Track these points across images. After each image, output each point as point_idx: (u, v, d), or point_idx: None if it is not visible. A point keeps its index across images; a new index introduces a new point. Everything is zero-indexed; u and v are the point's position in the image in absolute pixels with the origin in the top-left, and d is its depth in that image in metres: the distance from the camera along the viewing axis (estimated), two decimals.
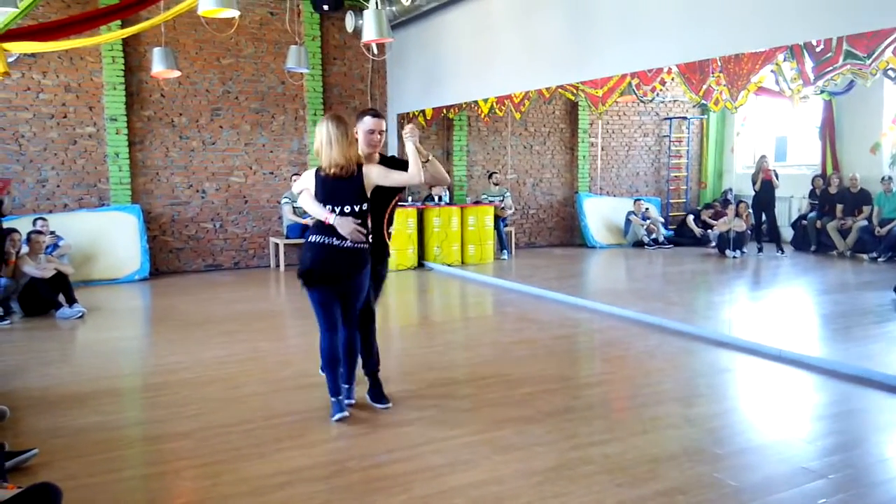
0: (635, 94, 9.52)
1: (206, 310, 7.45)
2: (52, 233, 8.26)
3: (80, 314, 7.05)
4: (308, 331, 6.76)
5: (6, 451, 3.37)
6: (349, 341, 4.26)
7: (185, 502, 3.22)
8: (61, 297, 7.18)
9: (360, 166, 4.05)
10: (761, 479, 3.33)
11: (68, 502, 2.89)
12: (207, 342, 6.05)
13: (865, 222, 10.70)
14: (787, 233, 11.90)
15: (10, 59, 6.91)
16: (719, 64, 7.71)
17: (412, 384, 4.84)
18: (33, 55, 8.70)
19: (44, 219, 8.19)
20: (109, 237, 9.15)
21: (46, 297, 7.10)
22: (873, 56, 6.68)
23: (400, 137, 11.17)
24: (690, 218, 12.56)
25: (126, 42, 9.28)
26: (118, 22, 8.59)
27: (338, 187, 4.03)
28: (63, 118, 9.20)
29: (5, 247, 6.91)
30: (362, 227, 4.02)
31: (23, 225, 7.79)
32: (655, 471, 3.40)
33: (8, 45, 6.51)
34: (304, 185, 4.15)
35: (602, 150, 13.06)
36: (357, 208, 4.02)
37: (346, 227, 3.98)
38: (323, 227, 4.04)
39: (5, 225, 6.97)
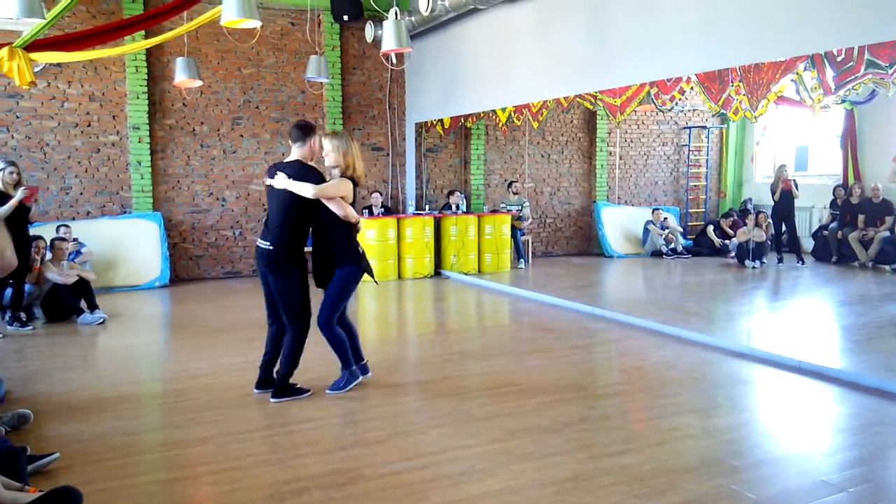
0: (654, 103, 9.47)
1: (224, 317, 7.51)
2: (75, 240, 8.37)
3: (102, 320, 7.14)
4: (324, 339, 6.80)
5: (28, 455, 3.43)
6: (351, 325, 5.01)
7: None
8: (83, 304, 7.27)
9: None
10: (780, 491, 3.30)
11: None
12: (226, 349, 6.10)
13: (888, 233, 10.57)
14: (808, 243, 11.79)
15: (36, 69, 7.04)
16: (739, 73, 7.67)
17: (428, 392, 4.85)
18: (59, 65, 8.85)
19: (67, 226, 8.31)
20: (131, 244, 9.26)
21: (69, 303, 7.20)
22: (895, 65, 6.62)
23: (418, 147, 11.26)
24: (710, 228, 12.48)
25: (149, 52, 9.42)
26: (142, 32, 8.73)
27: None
28: (87, 127, 9.35)
29: (30, 253, 7.03)
30: None
31: (46, 232, 7.91)
32: (673, 482, 3.38)
33: (34, 55, 6.65)
34: (344, 192, 4.60)
35: (620, 159, 13.03)
36: None
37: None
38: (353, 235, 4.71)
39: (30, 232, 7.10)
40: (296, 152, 4.62)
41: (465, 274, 10.26)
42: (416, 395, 4.79)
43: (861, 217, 10.96)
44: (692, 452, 3.76)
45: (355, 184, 4.66)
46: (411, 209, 10.92)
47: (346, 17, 10.22)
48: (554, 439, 3.94)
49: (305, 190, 4.45)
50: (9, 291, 6.90)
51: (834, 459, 3.71)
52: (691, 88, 8.86)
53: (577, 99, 9.56)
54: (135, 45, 8.12)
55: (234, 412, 4.44)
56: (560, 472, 3.49)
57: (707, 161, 13.56)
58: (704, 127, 13.49)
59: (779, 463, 3.66)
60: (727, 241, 11.95)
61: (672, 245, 12.15)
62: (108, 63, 9.29)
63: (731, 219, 12.48)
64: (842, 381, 5.03)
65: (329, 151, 4.63)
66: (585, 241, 12.92)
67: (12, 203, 6.52)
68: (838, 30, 5.17)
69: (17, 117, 8.97)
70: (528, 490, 3.31)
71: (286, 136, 10.36)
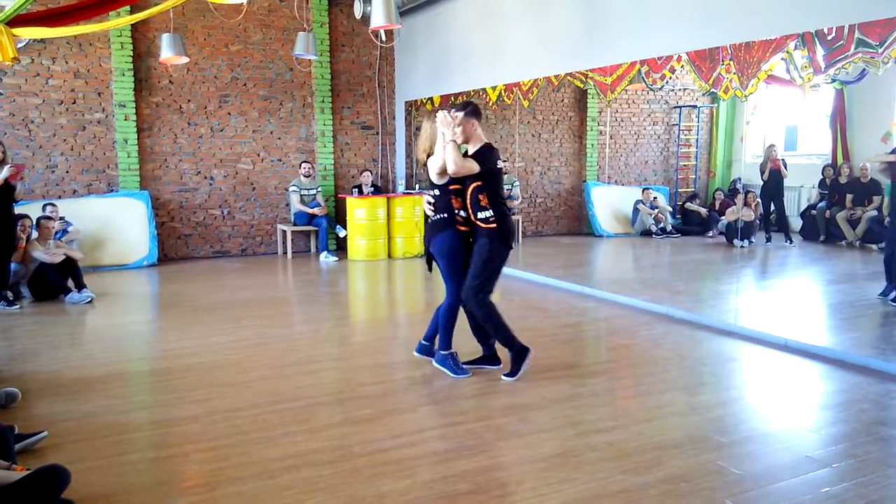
0: (645, 81, 9.40)
1: (213, 296, 7.49)
2: (62, 218, 8.30)
3: (89, 299, 7.11)
4: (314, 318, 6.82)
5: (16, 434, 3.42)
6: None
7: (192, 485, 3.25)
8: (70, 283, 7.23)
9: (428, 156, 4.66)
10: (765, 467, 3.34)
11: (77, 484, 2.94)
12: (215, 328, 6.09)
13: (875, 212, 10.62)
14: (796, 222, 11.84)
15: (19, 45, 6.92)
16: (729, 52, 7.64)
17: (417, 370, 4.86)
18: (42, 41, 8.72)
19: (53, 204, 8.24)
20: (118, 223, 9.20)
21: (56, 282, 7.16)
22: (885, 44, 6.59)
23: (408, 125, 11.20)
24: (689, 204, 12.63)
25: (135, 28, 9.28)
26: (127, 7, 8.58)
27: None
28: (72, 104, 9.23)
29: (16, 232, 6.97)
30: (434, 204, 4.65)
31: (32, 210, 7.83)
32: (659, 458, 3.41)
33: (17, 31, 6.53)
34: None
35: (611, 138, 13.00)
36: (433, 192, 4.69)
37: (424, 204, 4.80)
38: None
39: (16, 210, 7.03)
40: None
41: None
42: (405, 374, 4.79)
43: (849, 196, 10.99)
44: (679, 429, 3.80)
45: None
46: (401, 188, 10.88)
47: None
48: (542, 416, 3.96)
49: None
50: None
51: (819, 435, 3.76)
52: (682, 67, 8.82)
53: (568, 77, 9.51)
54: (120, 21, 7.98)
55: (223, 390, 4.44)
56: (548, 449, 3.52)
57: (697, 140, 13.55)
58: (695, 106, 13.47)
59: (764, 439, 3.70)
60: (713, 211, 12.04)
61: (661, 224, 12.18)
62: (92, 39, 9.15)
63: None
64: (828, 358, 5.08)
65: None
66: (575, 221, 12.92)
67: None
68: (829, 8, 5.17)
69: (1, 94, 8.84)
70: (515, 466, 3.33)
71: (274, 114, 10.30)
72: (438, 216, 4.63)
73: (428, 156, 4.66)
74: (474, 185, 4.54)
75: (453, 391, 4.42)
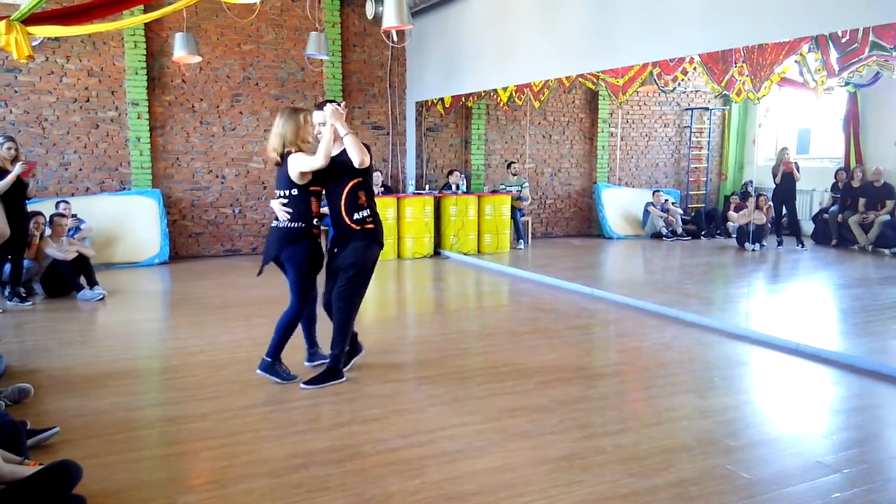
0: (656, 83, 9.41)
1: (224, 294, 7.52)
2: (75, 216, 8.35)
3: (101, 296, 7.15)
4: (323, 316, 6.82)
5: (28, 429, 3.45)
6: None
7: (202, 482, 3.27)
8: (83, 280, 7.28)
9: (285, 157, 4.37)
10: (775, 472, 3.32)
11: (88, 480, 2.96)
12: (225, 326, 6.11)
13: (888, 217, 10.56)
14: (808, 226, 11.78)
15: (34, 43, 6.98)
16: (742, 54, 7.61)
17: (427, 371, 4.87)
18: (57, 39, 8.78)
19: (66, 202, 8.29)
20: (130, 221, 9.25)
21: (68, 279, 7.20)
22: None
23: (419, 126, 11.21)
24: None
25: (148, 27, 9.34)
26: (140, 7, 8.64)
27: (277, 175, 4.48)
28: (86, 102, 9.29)
29: (29, 229, 7.02)
30: (289, 207, 4.36)
31: (46, 208, 7.89)
32: (669, 462, 3.40)
33: (32, 29, 6.59)
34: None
35: (621, 140, 12.97)
36: (285, 193, 4.40)
37: (275, 207, 4.44)
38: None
39: (29, 208, 7.09)
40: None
41: (465, 254, 10.26)
42: (415, 374, 4.80)
43: (862, 200, 10.94)
44: (688, 432, 3.78)
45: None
46: (411, 189, 10.89)
47: None
48: (550, 418, 3.96)
49: None
50: (8, 267, 6.90)
51: (830, 441, 3.74)
52: (694, 69, 8.80)
53: (579, 79, 9.50)
54: (133, 20, 8.03)
55: (233, 388, 4.46)
56: (556, 451, 3.52)
57: (709, 143, 13.50)
58: (706, 108, 13.42)
59: (774, 444, 3.68)
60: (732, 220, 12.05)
61: (672, 227, 12.14)
62: (106, 38, 9.21)
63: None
64: (839, 363, 5.05)
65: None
66: (585, 223, 12.90)
67: (10, 178, 6.50)
68: (843, 10, 5.12)
69: (16, 92, 8.92)
70: (523, 468, 3.33)
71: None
72: (294, 225, 4.36)
73: (281, 155, 4.36)
74: (354, 181, 4.37)
75: (462, 392, 4.42)
